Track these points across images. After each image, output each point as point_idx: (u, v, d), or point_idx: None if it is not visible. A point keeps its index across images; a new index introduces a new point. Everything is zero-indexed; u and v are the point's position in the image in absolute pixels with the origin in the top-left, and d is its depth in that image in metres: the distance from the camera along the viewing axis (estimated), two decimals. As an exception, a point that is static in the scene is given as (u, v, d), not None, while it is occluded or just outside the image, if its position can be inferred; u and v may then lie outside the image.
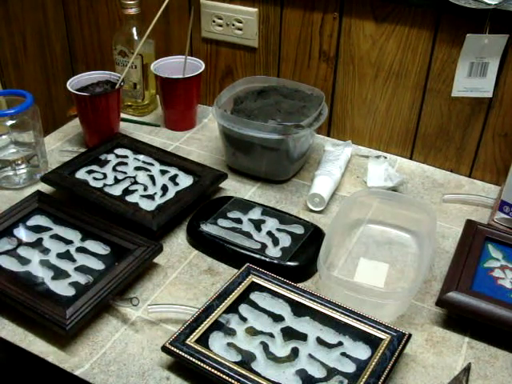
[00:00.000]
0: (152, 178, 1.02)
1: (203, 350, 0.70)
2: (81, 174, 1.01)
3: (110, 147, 1.08)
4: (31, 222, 0.90)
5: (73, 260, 0.84)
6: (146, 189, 0.99)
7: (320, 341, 0.73)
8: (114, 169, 1.03)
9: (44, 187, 1.00)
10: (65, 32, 1.38)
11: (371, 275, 0.86)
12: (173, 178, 1.01)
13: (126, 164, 1.05)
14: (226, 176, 1.03)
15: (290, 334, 0.74)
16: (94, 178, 1.00)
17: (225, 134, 1.04)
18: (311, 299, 0.78)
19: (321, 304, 0.77)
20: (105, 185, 0.99)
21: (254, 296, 0.79)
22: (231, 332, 0.74)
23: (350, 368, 0.70)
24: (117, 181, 1.00)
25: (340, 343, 0.73)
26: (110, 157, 1.06)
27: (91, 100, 1.07)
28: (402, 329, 0.74)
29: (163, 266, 0.88)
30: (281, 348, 0.72)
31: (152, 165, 1.05)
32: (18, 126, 1.00)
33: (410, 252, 0.91)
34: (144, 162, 1.05)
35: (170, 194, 0.98)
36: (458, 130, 1.08)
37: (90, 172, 1.02)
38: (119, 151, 1.08)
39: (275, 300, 0.79)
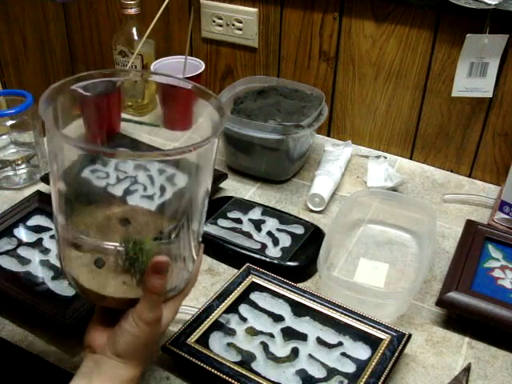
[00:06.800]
0: (151, 177, 1.01)
1: (203, 350, 0.70)
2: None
3: (111, 147, 1.08)
4: (31, 222, 0.90)
5: (73, 260, 0.84)
6: (145, 189, 0.99)
7: (320, 341, 0.73)
8: (115, 168, 1.03)
9: (44, 187, 1.00)
10: (65, 32, 1.38)
11: (371, 275, 0.86)
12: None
13: (125, 164, 1.05)
14: (225, 176, 1.03)
15: (290, 334, 0.74)
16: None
17: (225, 133, 1.04)
18: (311, 299, 0.78)
19: (321, 304, 0.77)
20: (108, 184, 0.99)
21: (254, 296, 0.79)
22: (231, 332, 0.74)
23: (350, 368, 0.70)
24: (118, 180, 1.00)
25: (340, 343, 0.73)
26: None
27: (93, 99, 1.07)
28: (402, 329, 0.74)
29: (163, 266, 0.87)
30: (281, 348, 0.72)
31: (152, 165, 1.04)
32: (17, 126, 1.00)
33: (410, 252, 0.91)
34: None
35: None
36: (458, 129, 1.08)
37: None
38: (119, 151, 1.07)
39: (275, 300, 0.79)
